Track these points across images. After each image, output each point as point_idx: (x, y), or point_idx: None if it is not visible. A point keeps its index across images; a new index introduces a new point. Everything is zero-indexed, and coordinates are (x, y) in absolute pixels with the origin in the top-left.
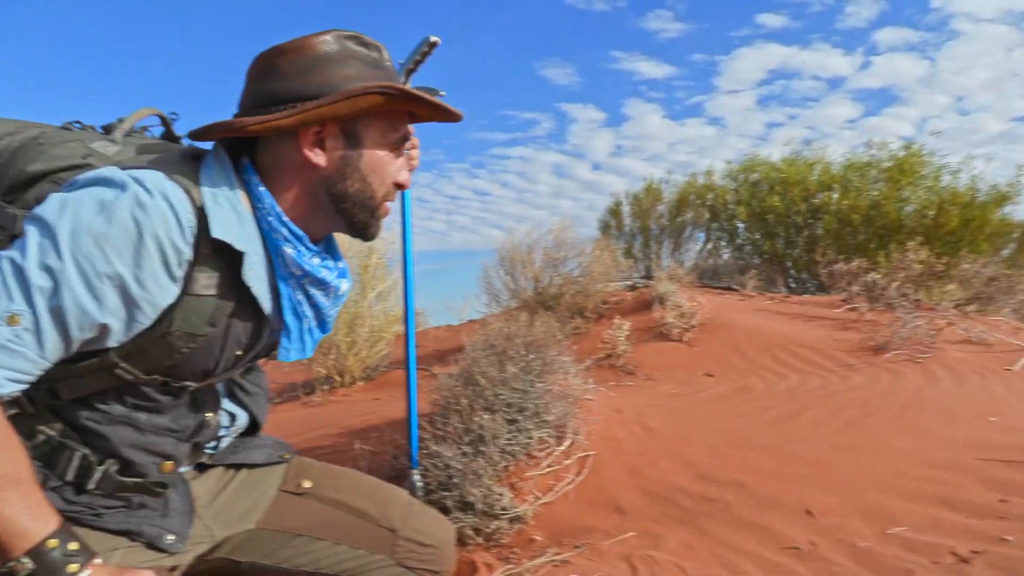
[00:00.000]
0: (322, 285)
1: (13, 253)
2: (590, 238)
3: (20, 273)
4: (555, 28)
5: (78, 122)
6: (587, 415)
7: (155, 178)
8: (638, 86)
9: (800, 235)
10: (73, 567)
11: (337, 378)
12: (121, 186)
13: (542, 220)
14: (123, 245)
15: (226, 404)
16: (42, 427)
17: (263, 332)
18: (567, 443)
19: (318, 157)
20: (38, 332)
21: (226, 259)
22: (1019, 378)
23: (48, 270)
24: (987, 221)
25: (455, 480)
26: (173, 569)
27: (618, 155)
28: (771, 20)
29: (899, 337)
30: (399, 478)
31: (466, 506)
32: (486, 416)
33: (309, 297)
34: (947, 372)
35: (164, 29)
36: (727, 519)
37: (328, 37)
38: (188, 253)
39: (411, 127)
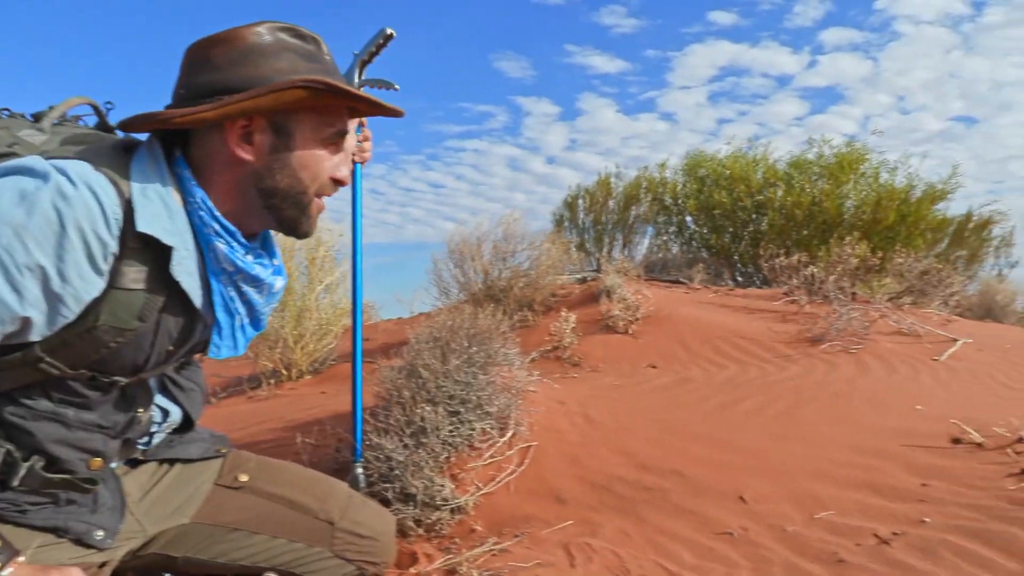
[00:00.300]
0: (255, 282)
1: None
2: (542, 231)
3: None
4: (509, 21)
5: (6, 109)
6: (530, 407)
7: (80, 168)
8: (592, 80)
9: (746, 230)
10: None
11: (284, 372)
12: (43, 176)
13: (496, 213)
14: (44, 236)
15: (159, 400)
16: None
17: (195, 327)
18: (509, 434)
19: (245, 152)
20: None
21: (155, 253)
22: (946, 368)
23: None
24: (922, 217)
25: (396, 472)
26: (103, 565)
27: (572, 149)
28: (722, 17)
29: (835, 329)
30: (342, 471)
31: (407, 497)
32: (428, 408)
33: (242, 294)
34: (878, 362)
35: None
36: (663, 506)
37: (261, 28)
38: (113, 246)
39: (356, 121)
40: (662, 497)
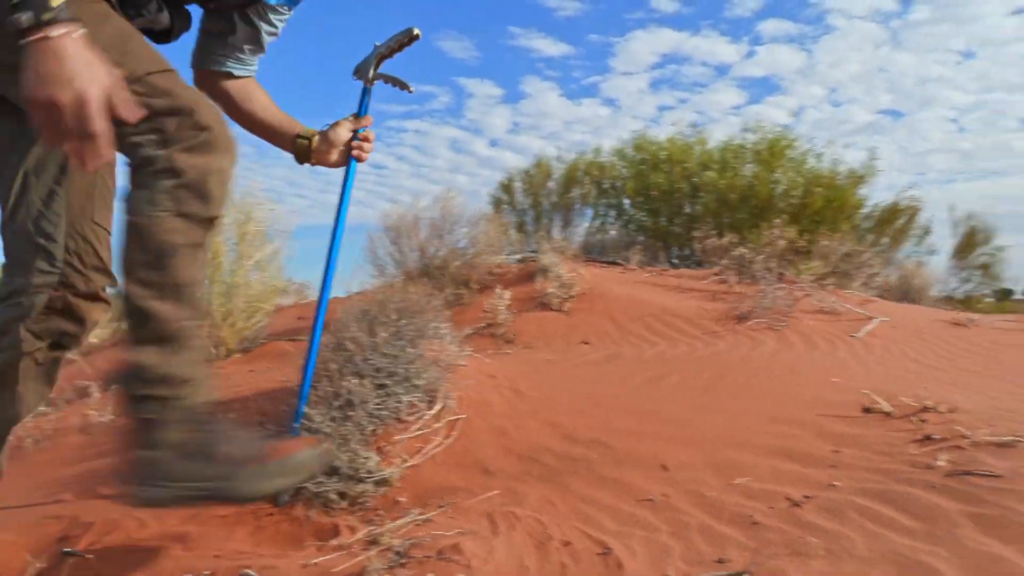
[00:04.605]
0: None
1: None
2: (480, 211)
3: None
4: (452, 0)
5: None
6: (460, 380)
7: None
8: (535, 63)
9: (682, 212)
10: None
11: (212, 350)
12: None
13: (439, 195)
14: None
15: None
16: None
17: None
18: (438, 407)
19: None
20: None
21: None
22: (861, 344)
23: None
24: (846, 203)
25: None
26: None
27: (515, 132)
28: (664, 5)
29: (761, 307)
30: None
31: (332, 470)
32: (355, 381)
33: None
34: (800, 339)
35: None
36: (588, 476)
37: None
38: None
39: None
40: (587, 467)
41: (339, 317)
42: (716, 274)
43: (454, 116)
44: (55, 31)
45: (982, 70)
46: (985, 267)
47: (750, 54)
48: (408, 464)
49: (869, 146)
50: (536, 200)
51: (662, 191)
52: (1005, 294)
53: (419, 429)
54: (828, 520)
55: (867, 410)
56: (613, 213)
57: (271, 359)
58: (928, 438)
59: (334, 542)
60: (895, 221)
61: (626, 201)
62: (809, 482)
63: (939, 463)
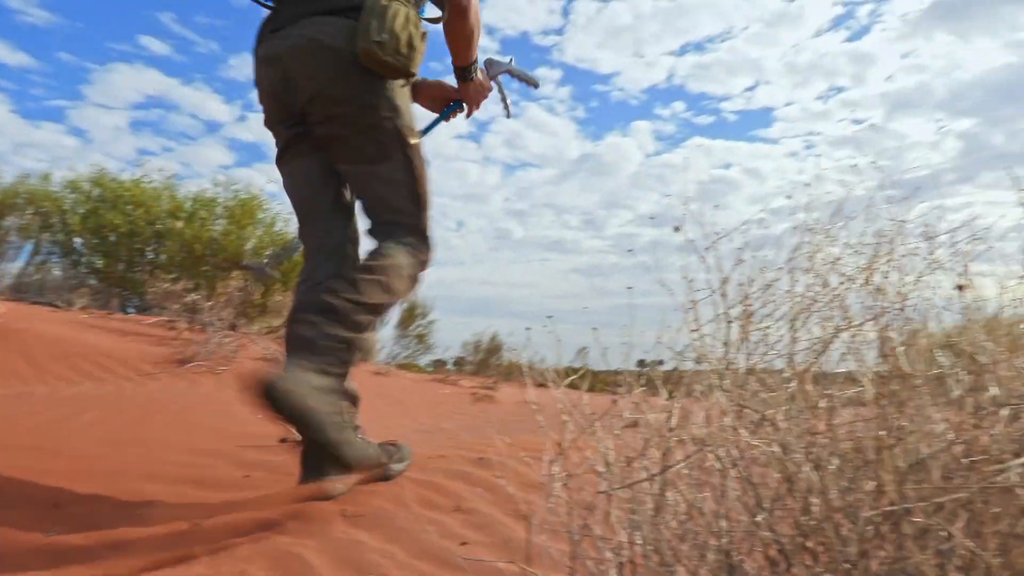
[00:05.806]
0: None
1: None
2: None
3: None
4: None
5: None
6: None
7: None
8: None
9: (144, 258)
10: None
11: None
12: None
13: None
14: None
15: None
16: None
17: None
18: None
19: None
20: None
21: None
22: None
23: None
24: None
25: None
26: None
27: None
28: (155, 45)
29: (206, 352)
30: None
31: None
32: None
33: None
34: (238, 381)
35: None
36: None
37: None
38: None
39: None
40: None
41: None
42: (167, 320)
43: None
44: None
45: (434, 177)
46: (421, 337)
47: (242, 118)
48: None
49: None
50: None
51: (121, 233)
52: (440, 363)
53: None
54: (224, 535)
55: (283, 440)
56: (59, 250)
57: None
58: None
59: None
60: None
61: (78, 241)
62: (211, 506)
63: None
